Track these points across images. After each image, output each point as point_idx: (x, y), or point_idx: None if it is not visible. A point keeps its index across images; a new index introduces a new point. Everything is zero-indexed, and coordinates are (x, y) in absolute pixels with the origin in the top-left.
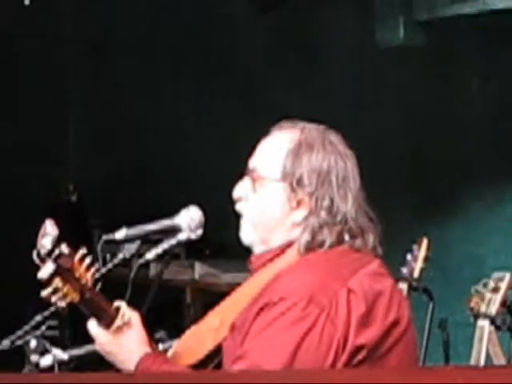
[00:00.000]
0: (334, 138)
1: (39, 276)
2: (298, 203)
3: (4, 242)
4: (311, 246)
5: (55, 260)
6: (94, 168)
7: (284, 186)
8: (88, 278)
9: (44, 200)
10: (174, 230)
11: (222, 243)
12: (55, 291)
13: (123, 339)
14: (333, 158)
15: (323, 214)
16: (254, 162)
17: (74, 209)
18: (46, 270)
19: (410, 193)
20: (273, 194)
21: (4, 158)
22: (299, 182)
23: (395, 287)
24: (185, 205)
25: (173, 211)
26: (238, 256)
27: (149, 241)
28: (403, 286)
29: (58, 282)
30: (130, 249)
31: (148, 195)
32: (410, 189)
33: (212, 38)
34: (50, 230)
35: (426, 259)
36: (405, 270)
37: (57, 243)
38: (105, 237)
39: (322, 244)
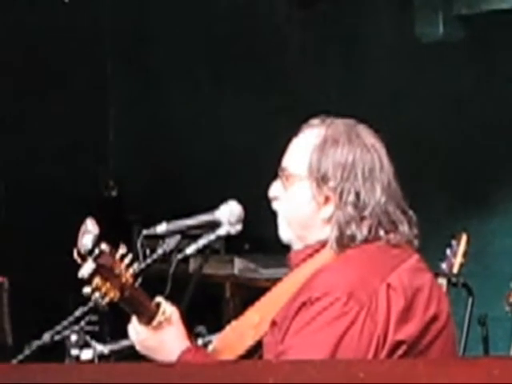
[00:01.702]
0: (362, 130)
1: (80, 275)
2: (326, 199)
3: (46, 237)
4: (342, 242)
5: (96, 259)
6: (135, 163)
7: (310, 183)
8: (128, 276)
9: (84, 195)
10: (213, 225)
11: (262, 238)
12: (95, 289)
13: (164, 335)
14: (358, 150)
15: (349, 208)
16: (285, 160)
17: (114, 204)
18: (86, 269)
19: (449, 187)
20: (301, 192)
21: (46, 155)
22: (324, 177)
23: (434, 282)
24: (224, 200)
25: (212, 206)
26: (278, 251)
27: (188, 236)
28: (442, 281)
29: (98, 280)
30: (170, 243)
31: (188, 191)
32: (449, 183)
33: (251, 35)
34: (90, 229)
35: (465, 254)
36: (444, 265)
37: (97, 242)
38: (145, 231)
39: (352, 239)
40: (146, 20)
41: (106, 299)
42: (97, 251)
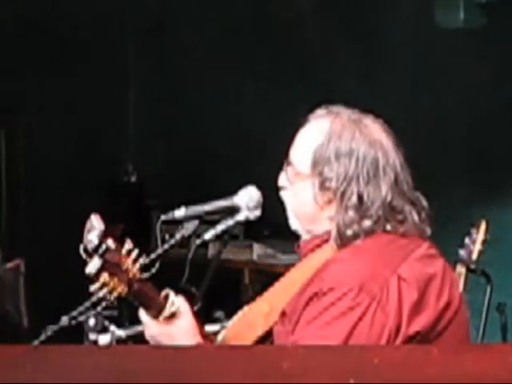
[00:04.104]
0: (367, 125)
1: (87, 272)
2: (329, 201)
3: (64, 221)
4: (342, 242)
5: (102, 255)
6: (154, 149)
7: (313, 183)
8: (135, 270)
9: (104, 181)
10: (232, 210)
11: (280, 224)
12: (103, 286)
13: (172, 328)
14: (362, 148)
15: (350, 212)
16: (291, 153)
17: (133, 189)
18: (93, 266)
19: (469, 176)
20: (305, 189)
21: (65, 140)
22: (326, 179)
23: (447, 267)
24: (243, 185)
25: (231, 192)
26: (296, 237)
27: (207, 221)
28: (461, 268)
29: (105, 276)
30: (189, 228)
31: (206, 176)
32: (469, 172)
33: (273, 23)
34: (95, 225)
35: (485, 242)
36: (463, 253)
37: (103, 238)
38: (164, 216)
39: (354, 237)
40: (168, 4)
41: (114, 294)
42: (103, 247)
